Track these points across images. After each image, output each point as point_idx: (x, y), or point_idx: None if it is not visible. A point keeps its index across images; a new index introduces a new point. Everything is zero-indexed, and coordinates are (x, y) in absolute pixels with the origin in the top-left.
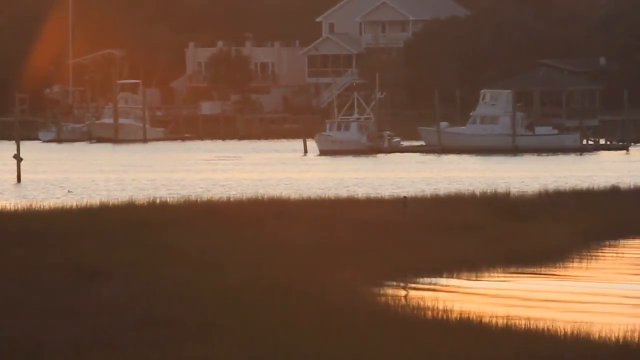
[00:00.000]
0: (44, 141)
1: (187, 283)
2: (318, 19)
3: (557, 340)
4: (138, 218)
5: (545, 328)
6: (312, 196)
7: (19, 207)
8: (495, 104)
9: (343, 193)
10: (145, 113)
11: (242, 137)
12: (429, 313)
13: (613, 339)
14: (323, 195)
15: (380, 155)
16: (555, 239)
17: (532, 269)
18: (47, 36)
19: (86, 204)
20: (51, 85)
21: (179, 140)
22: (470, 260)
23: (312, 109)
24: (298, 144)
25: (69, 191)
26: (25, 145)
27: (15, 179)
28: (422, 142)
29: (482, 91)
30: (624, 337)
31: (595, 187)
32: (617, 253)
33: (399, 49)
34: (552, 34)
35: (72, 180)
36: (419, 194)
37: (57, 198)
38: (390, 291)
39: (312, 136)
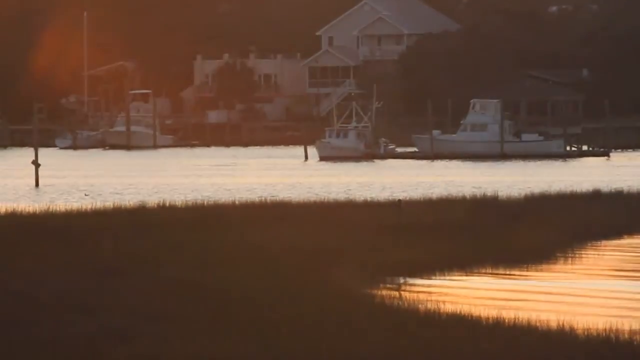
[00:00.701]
0: (61, 148)
1: (195, 281)
2: (318, 33)
3: (544, 334)
4: (149, 219)
5: (534, 323)
6: (313, 199)
7: (38, 209)
8: (484, 113)
9: (341, 196)
10: (155, 121)
11: (246, 144)
12: (423, 309)
13: (596, 333)
14: (323, 199)
15: (376, 161)
16: (541, 240)
17: (520, 268)
18: (65, 50)
19: (101, 206)
20: (67, 95)
21: (187, 147)
22: (461, 259)
23: (312, 117)
24: (299, 150)
25: (85, 194)
26: (43, 152)
27: (34, 184)
28: (415, 149)
29: (472, 101)
30: (607, 331)
31: (579, 190)
32: (599, 253)
33: (394, 61)
34: (538, 47)
35: (88, 184)
36: (413, 197)
37: (74, 201)
38: (386, 288)
39: (312, 143)
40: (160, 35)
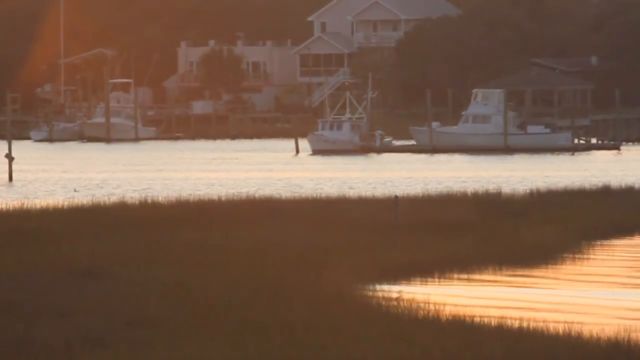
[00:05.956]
0: (36, 140)
1: (178, 282)
2: (310, 18)
3: (547, 339)
4: (130, 217)
5: (536, 328)
6: (305, 195)
7: (11, 206)
8: (487, 104)
9: (335, 192)
10: (137, 112)
11: (234, 137)
12: (421, 312)
13: (604, 339)
14: (315, 195)
15: (372, 155)
16: (546, 239)
17: (523, 270)
18: (39, 36)
19: (78, 203)
20: (43, 84)
21: (171, 140)
22: (462, 259)
23: (304, 108)
24: (290, 143)
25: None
26: (17, 145)
27: (7, 179)
28: (413, 142)
29: (474, 90)
30: (615, 338)
31: (587, 186)
32: (608, 253)
33: (391, 48)
34: (544, 34)
35: (66, 179)
36: (411, 193)
37: (50, 196)
38: (382, 290)
39: (304, 136)
40: (141, 21)
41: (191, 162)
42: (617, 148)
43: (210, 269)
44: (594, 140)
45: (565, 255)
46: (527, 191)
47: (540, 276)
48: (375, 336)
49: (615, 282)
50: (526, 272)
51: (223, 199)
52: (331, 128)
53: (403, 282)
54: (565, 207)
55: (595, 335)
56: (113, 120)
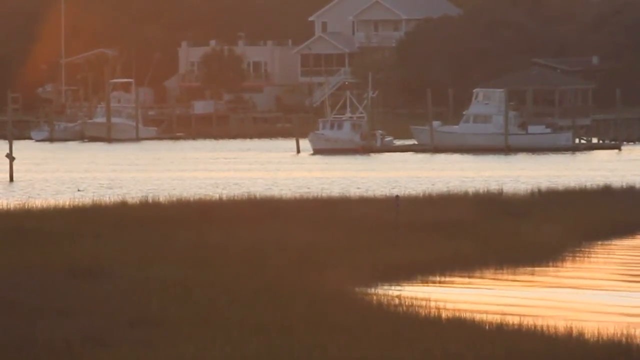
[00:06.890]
0: (37, 140)
1: (179, 282)
2: (311, 18)
3: (547, 339)
4: (131, 217)
5: (538, 328)
6: (305, 195)
7: (12, 206)
8: (488, 103)
9: (336, 192)
10: (137, 112)
11: (234, 137)
12: (422, 312)
13: (604, 339)
14: (316, 195)
15: (373, 155)
16: (547, 238)
17: (524, 270)
18: (40, 35)
19: (79, 203)
20: (44, 84)
21: (172, 140)
22: (462, 259)
23: (304, 108)
24: (291, 143)
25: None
26: (18, 145)
27: (8, 179)
28: (414, 142)
29: (474, 90)
30: (615, 338)
31: (588, 186)
32: (608, 253)
33: (392, 48)
34: (545, 33)
35: (65, 179)
36: (412, 193)
37: (51, 196)
38: (382, 290)
39: (304, 135)
40: (142, 21)
41: (191, 162)
42: (618, 148)
43: (211, 268)
44: (595, 140)
45: (565, 255)
46: (528, 191)
47: (541, 276)
48: (376, 336)
49: (615, 283)
50: (526, 272)
51: (224, 198)
52: (332, 127)
53: (403, 282)
54: (566, 207)
55: (595, 335)
56: (114, 120)
